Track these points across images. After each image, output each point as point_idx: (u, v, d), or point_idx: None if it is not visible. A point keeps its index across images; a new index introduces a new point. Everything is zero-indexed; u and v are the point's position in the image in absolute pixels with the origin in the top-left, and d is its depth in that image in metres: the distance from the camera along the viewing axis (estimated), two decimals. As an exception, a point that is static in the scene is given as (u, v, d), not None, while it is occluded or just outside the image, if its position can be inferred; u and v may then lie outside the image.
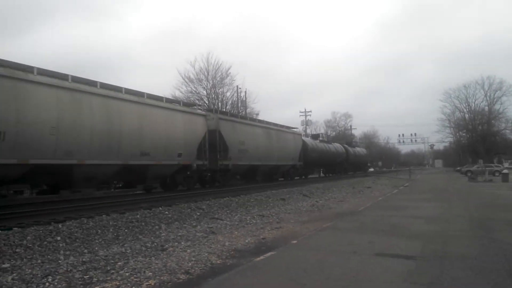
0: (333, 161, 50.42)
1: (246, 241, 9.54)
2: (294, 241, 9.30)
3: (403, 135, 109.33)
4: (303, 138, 42.92)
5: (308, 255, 7.87)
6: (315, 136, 54.02)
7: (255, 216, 14.06)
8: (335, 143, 55.48)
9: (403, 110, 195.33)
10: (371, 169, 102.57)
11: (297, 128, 47.49)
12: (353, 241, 9.14)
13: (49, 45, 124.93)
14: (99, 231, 10.38)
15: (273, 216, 14.31)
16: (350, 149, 58.53)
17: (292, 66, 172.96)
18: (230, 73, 52.52)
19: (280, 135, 34.54)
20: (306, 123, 75.79)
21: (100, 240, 9.75)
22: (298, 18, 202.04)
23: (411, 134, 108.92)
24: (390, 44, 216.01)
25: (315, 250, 8.42)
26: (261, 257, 7.71)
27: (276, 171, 35.19)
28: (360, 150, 68.76)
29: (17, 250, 8.23)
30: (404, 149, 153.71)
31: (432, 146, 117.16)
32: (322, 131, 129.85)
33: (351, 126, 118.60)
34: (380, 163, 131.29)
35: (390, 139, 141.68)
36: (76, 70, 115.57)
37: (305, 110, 75.19)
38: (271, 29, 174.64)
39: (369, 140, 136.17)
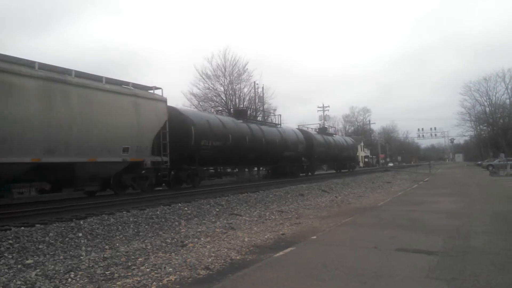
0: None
1: (266, 236, 9.55)
2: (314, 237, 9.28)
3: (422, 129, 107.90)
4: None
5: (327, 251, 7.84)
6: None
7: (274, 212, 14.06)
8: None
9: (423, 104, 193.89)
10: (390, 164, 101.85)
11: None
12: (373, 236, 9.09)
13: (71, 43, 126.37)
14: (120, 227, 10.48)
15: (292, 211, 14.30)
16: (317, 136, 40.84)
17: (311, 61, 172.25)
18: (247, 69, 52.40)
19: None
20: (324, 118, 75.32)
21: (121, 236, 9.84)
22: (318, 12, 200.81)
23: (431, 128, 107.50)
24: (412, 37, 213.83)
25: (335, 245, 8.39)
26: (281, 253, 7.71)
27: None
28: (341, 139, 50.00)
29: (40, 246, 8.35)
30: (424, 143, 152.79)
31: (452, 140, 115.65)
32: (341, 126, 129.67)
33: (369, 120, 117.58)
34: (399, 158, 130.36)
35: (410, 134, 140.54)
36: (101, 68, 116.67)
37: (323, 105, 75.07)
38: (290, 24, 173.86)
39: (388, 135, 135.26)
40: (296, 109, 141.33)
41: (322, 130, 47.42)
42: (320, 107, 75.27)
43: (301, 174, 36.43)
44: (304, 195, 19.83)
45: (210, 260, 7.32)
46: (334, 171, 49.91)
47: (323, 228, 10.56)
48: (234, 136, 25.39)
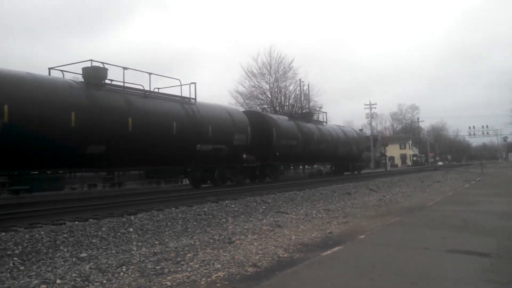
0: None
1: (313, 235, 9.51)
2: (362, 236, 9.17)
3: (473, 127, 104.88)
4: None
5: (376, 250, 7.74)
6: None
7: (321, 210, 13.99)
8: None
9: (475, 101, 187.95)
10: (440, 163, 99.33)
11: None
12: (423, 236, 8.90)
13: (126, 42, 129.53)
14: (169, 223, 10.69)
15: (339, 210, 14.18)
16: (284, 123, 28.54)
17: (359, 58, 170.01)
18: (292, 66, 52.40)
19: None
20: (371, 116, 74.07)
21: (170, 232, 10.04)
22: (367, 9, 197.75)
23: (483, 126, 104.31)
24: (466, 33, 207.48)
25: (384, 245, 8.27)
26: (328, 252, 7.66)
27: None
28: (337, 129, 37.00)
29: (93, 240, 8.63)
30: (475, 142, 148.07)
31: (505, 138, 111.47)
32: (388, 124, 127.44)
33: (418, 118, 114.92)
34: (449, 157, 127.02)
35: (460, 132, 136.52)
36: (150, 67, 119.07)
37: (369, 102, 73.56)
38: (337, 21, 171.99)
39: (437, 133, 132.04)
40: (342, 107, 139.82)
41: (306, 115, 34.63)
42: (367, 104, 73.97)
43: (345, 173, 37.30)
44: (351, 193, 19.62)
45: (257, 257, 7.36)
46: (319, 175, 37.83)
47: (371, 227, 10.42)
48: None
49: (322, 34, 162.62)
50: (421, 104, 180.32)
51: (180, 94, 20.60)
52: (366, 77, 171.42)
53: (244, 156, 23.66)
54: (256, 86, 51.94)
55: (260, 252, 7.77)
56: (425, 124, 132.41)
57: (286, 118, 30.30)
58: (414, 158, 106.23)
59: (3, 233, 8.20)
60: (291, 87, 53.63)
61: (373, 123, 77.99)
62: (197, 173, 21.65)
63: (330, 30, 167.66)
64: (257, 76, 51.96)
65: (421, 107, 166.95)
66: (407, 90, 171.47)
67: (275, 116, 29.53)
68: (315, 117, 36.21)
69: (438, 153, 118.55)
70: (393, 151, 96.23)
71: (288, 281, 6.04)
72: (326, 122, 36.35)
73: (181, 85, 20.74)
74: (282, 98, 52.29)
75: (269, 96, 51.16)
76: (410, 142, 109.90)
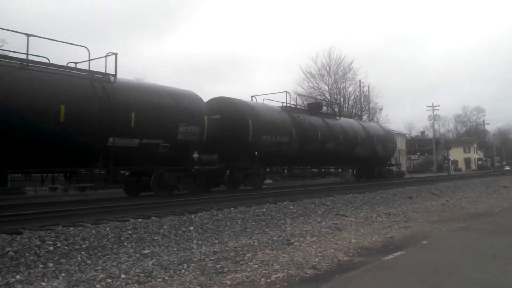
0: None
1: (373, 239, 9.34)
2: (424, 241, 8.92)
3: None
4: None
5: (440, 256, 7.49)
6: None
7: (381, 214, 13.71)
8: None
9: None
10: (507, 168, 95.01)
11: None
12: (490, 243, 8.55)
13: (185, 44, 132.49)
14: (228, 223, 10.79)
15: (400, 214, 13.85)
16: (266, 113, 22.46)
17: (423, 57, 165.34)
18: (352, 67, 51.81)
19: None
20: (434, 117, 71.88)
21: (229, 231, 10.14)
22: (432, 4, 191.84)
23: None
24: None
25: (448, 251, 8.00)
26: (390, 256, 7.50)
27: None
28: (353, 123, 31.41)
29: (155, 237, 8.84)
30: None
31: None
32: (451, 126, 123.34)
33: (483, 121, 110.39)
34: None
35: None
36: (208, 68, 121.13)
37: (432, 104, 71.39)
38: (401, 22, 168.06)
39: (504, 136, 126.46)
40: (403, 109, 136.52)
41: (314, 107, 27.52)
42: (429, 106, 71.82)
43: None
44: (413, 197, 19.11)
45: (317, 259, 7.31)
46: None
47: (434, 233, 10.11)
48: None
49: (384, 33, 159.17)
50: (487, 106, 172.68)
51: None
52: (430, 78, 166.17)
53: (195, 155, 17.66)
54: (315, 87, 51.75)
55: (320, 254, 7.72)
56: (491, 127, 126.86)
57: (279, 108, 23.53)
58: (479, 162, 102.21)
59: (72, 228, 8.54)
60: (350, 88, 53.03)
61: (436, 126, 75.59)
62: (125, 177, 17.06)
63: (392, 28, 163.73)
64: (316, 77, 51.80)
65: (487, 109, 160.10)
66: (472, 92, 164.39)
67: (255, 104, 22.58)
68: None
69: (505, 157, 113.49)
70: (456, 154, 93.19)
71: (348, 284, 5.97)
72: (340, 116, 30.04)
73: (89, 59, 15.03)
74: (342, 99, 51.72)
75: (328, 97, 50.69)
76: (475, 145, 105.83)
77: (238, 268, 6.77)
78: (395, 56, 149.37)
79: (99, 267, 6.81)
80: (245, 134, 19.88)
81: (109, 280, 6.01)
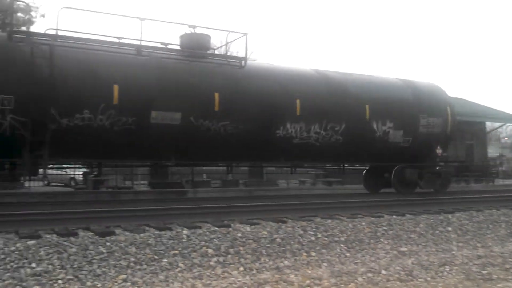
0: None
1: None
2: None
3: None
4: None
5: None
6: None
7: None
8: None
9: None
10: None
11: None
12: None
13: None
14: (490, 225, 9.94)
15: None
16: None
17: None
18: None
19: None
20: None
21: (492, 235, 9.33)
22: None
23: None
24: None
25: None
26: None
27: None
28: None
29: (411, 236, 8.64)
30: None
31: None
32: None
33: None
34: None
35: None
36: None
37: None
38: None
39: None
40: None
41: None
42: None
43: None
44: None
45: None
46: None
47: None
48: None
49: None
50: None
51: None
52: None
53: (439, 150, 16.47)
54: None
55: None
56: None
57: None
58: None
59: (329, 220, 8.92)
60: None
61: None
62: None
63: None
64: None
65: None
66: None
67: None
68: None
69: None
70: None
71: None
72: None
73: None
74: None
75: None
76: None
77: (509, 277, 6.17)
78: None
79: (358, 261, 6.96)
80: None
81: (370, 275, 6.08)
